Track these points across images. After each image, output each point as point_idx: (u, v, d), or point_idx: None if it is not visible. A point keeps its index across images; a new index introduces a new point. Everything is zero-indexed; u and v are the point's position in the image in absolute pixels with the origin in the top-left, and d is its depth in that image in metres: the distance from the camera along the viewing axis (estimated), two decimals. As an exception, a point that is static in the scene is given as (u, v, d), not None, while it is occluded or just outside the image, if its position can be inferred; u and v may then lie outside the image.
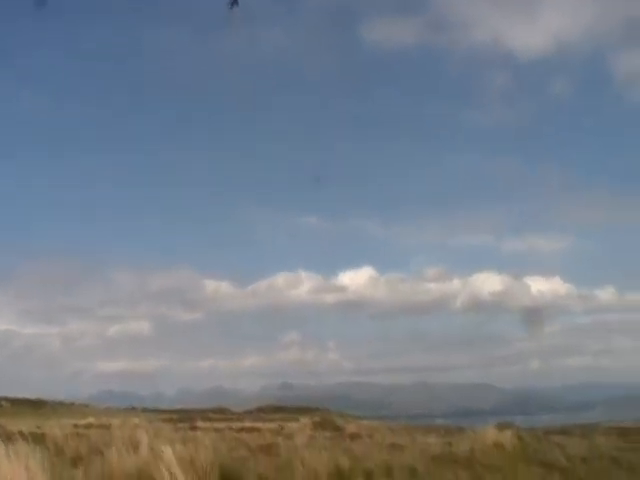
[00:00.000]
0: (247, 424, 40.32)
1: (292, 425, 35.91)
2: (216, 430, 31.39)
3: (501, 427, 28.73)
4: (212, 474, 9.40)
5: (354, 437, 27.11)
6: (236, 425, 39.33)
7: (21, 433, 13.92)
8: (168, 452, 9.54)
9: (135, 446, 11.53)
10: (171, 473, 9.15)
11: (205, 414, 59.34)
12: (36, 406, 70.73)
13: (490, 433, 26.10)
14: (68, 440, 17.29)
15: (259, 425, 38.69)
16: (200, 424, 38.00)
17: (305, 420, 35.41)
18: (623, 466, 35.88)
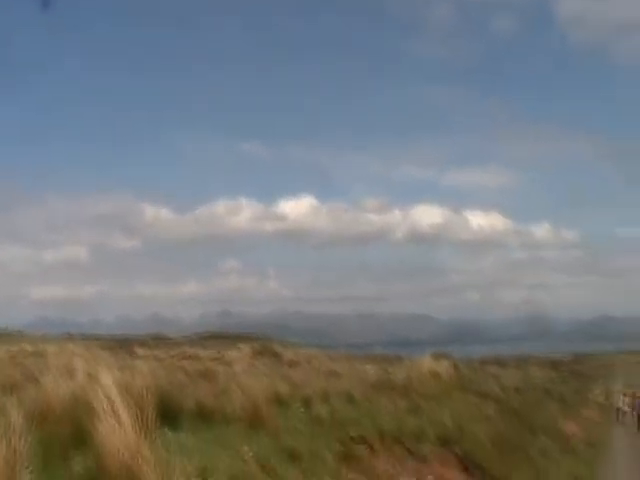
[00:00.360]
0: (186, 351, 40.29)
1: (231, 353, 36.03)
2: (155, 357, 31.35)
3: (438, 357, 29.27)
4: (150, 399, 9.30)
5: (293, 365, 27.29)
6: (175, 352, 39.32)
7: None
8: (105, 378, 9.37)
9: (71, 373, 11.35)
10: (108, 398, 9.01)
11: (144, 341, 59.18)
12: (-32, 333, 69.59)
13: (427, 362, 26.53)
14: (1, 367, 17.02)
15: (198, 352, 38.72)
16: (138, 351, 37.89)
17: (245, 348, 35.59)
18: (554, 397, 37.08)
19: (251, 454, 7.89)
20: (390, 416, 11.78)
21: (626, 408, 39.66)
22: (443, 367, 26.08)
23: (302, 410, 10.67)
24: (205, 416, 9.37)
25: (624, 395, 43.77)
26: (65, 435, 7.32)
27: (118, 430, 6.45)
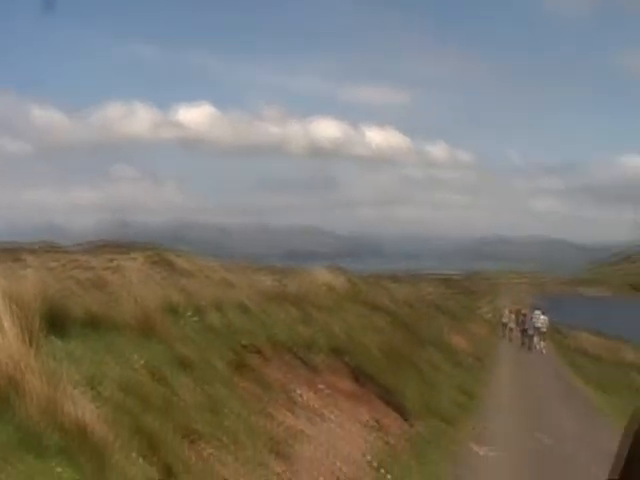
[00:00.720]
0: (78, 260, 39.42)
1: (125, 262, 35.46)
2: (45, 266, 30.59)
3: (333, 270, 29.57)
4: (37, 308, 9.04)
5: (188, 275, 27.08)
6: (67, 261, 38.46)
7: None
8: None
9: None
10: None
11: (34, 249, 57.55)
12: None
13: (322, 275, 26.79)
14: None
15: (91, 261, 37.97)
16: (28, 259, 36.86)
17: (139, 257, 35.07)
18: (444, 312, 38.24)
19: (142, 362, 7.79)
20: (283, 326, 11.86)
21: (512, 324, 41.30)
22: (338, 280, 26.39)
23: (195, 319, 10.58)
24: (95, 325, 9.16)
25: (509, 311, 45.56)
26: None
27: (0, 340, 6.22)
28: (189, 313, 10.86)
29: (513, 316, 42.18)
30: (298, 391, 10.12)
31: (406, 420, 11.58)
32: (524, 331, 35.88)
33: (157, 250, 39.63)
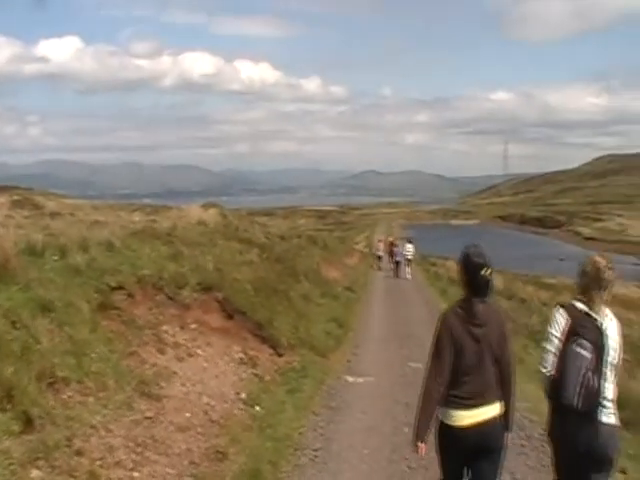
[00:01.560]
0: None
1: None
2: None
3: (206, 206, 29.26)
4: None
5: (55, 216, 26.12)
6: None
7: None
8: None
9: None
10: None
11: None
12: None
13: (194, 211, 26.46)
14: None
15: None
16: None
17: (1, 199, 33.51)
18: (318, 244, 38.49)
19: (-1, 310, 7.41)
20: (152, 264, 11.55)
21: (382, 254, 42.29)
22: (211, 216, 26.11)
23: (57, 260, 10.13)
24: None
25: (380, 242, 46.58)
26: None
27: None
28: (51, 254, 10.40)
29: (384, 246, 43.21)
30: (168, 330, 9.94)
31: (279, 354, 11.58)
32: (396, 263, 36.81)
33: (22, 191, 37.96)
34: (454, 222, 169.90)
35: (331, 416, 9.21)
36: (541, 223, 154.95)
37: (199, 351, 9.91)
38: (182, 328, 10.25)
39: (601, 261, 4.65)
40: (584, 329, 4.53)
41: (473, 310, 4.67)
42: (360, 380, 11.37)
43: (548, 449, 5.07)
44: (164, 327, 9.89)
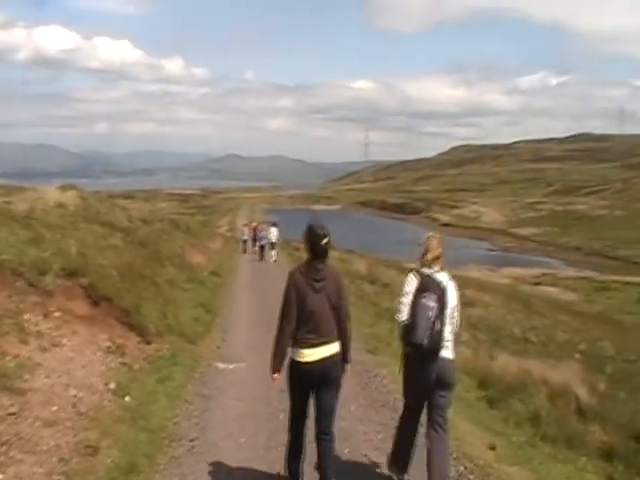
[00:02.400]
0: None
1: None
2: None
3: (65, 188, 28.15)
4: None
5: None
6: None
7: None
8: None
9: None
10: None
11: None
12: None
13: (52, 193, 25.41)
14: None
15: None
16: None
17: None
18: (181, 228, 37.93)
19: None
20: (10, 248, 10.92)
21: (247, 238, 42.50)
22: (70, 198, 25.18)
23: None
24: None
25: (245, 226, 46.74)
26: None
27: None
28: None
29: (248, 231, 43.35)
30: (30, 319, 9.40)
31: (147, 342, 11.20)
32: (261, 247, 36.97)
33: None
34: (316, 207, 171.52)
35: (205, 404, 8.97)
36: (401, 209, 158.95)
37: (64, 340, 9.42)
38: (45, 316, 9.72)
39: (434, 239, 6.21)
40: (430, 286, 5.93)
41: (314, 269, 5.85)
42: (231, 367, 11.20)
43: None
44: (26, 316, 9.35)
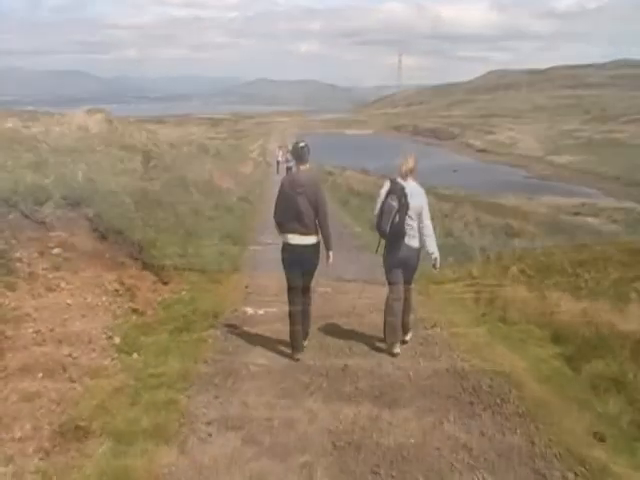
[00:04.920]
0: None
1: None
2: None
3: (92, 112, 26.80)
4: None
5: None
6: None
7: None
8: None
9: None
10: None
11: None
12: None
13: (78, 117, 24.12)
14: None
15: None
16: None
17: None
18: (210, 152, 36.32)
19: None
20: (5, 173, 9.42)
21: (281, 159, 41.82)
22: (95, 122, 23.78)
23: None
24: None
25: (279, 148, 46.05)
26: None
27: None
28: None
29: (283, 152, 42.65)
30: (22, 257, 7.94)
31: (163, 282, 9.67)
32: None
33: None
34: (348, 132, 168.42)
35: (228, 366, 7.29)
36: (434, 134, 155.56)
37: (62, 283, 7.95)
38: (41, 254, 8.25)
39: (410, 157, 7.69)
40: (395, 190, 7.40)
41: (297, 176, 7.30)
42: (261, 312, 9.62)
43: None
44: (17, 254, 7.89)
